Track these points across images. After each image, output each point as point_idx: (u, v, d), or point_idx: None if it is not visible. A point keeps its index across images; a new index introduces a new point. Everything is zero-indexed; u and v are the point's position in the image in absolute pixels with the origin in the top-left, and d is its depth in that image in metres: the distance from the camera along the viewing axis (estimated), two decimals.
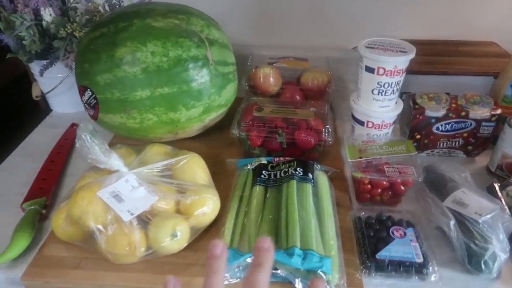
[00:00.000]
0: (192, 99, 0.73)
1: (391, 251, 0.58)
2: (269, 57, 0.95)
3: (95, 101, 0.74)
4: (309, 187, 0.66)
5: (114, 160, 0.60)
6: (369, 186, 0.68)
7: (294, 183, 0.66)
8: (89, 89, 0.73)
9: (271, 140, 0.76)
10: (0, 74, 1.84)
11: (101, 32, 0.73)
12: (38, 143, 0.89)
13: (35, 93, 0.98)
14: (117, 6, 0.93)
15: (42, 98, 0.99)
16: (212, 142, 0.85)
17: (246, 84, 0.89)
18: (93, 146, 0.58)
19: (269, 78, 0.88)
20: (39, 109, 1.10)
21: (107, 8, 0.92)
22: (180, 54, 0.71)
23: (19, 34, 0.85)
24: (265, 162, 0.73)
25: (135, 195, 0.59)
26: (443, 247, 0.62)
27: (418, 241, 0.60)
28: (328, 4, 0.99)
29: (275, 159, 0.73)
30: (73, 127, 0.93)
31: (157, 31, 0.71)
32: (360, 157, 0.70)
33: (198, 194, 0.62)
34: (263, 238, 0.34)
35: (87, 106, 0.76)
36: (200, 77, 0.73)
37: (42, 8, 0.85)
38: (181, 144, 0.76)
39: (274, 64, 0.91)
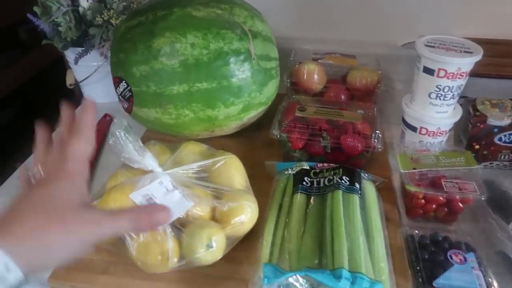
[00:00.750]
0: (231, 95, 0.68)
1: (450, 279, 0.51)
2: (313, 52, 0.89)
3: (130, 93, 0.70)
4: (356, 198, 0.60)
5: (148, 160, 0.56)
6: (423, 201, 0.62)
7: (340, 193, 0.60)
8: (124, 81, 0.70)
9: (314, 143, 0.70)
10: (35, 59, 1.86)
11: (139, 20, 0.69)
12: None
13: (69, 81, 0.96)
14: None
15: (76, 86, 0.96)
16: (249, 141, 0.80)
17: (288, 80, 0.83)
18: (127, 144, 0.54)
19: (313, 76, 0.82)
20: (73, 97, 1.08)
21: None
22: (221, 47, 0.66)
23: (55, 20, 0.82)
24: (307, 167, 0.67)
25: (169, 199, 0.54)
26: (506, 275, 0.55)
27: (481, 268, 0.53)
28: None
29: (319, 165, 0.67)
30: (106, 117, 0.90)
31: (198, 21, 0.66)
32: (414, 168, 0.64)
33: (235, 200, 0.57)
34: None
35: (122, 99, 0.73)
36: (241, 72, 0.68)
37: None
38: (217, 142, 0.71)
39: (319, 60, 0.85)
